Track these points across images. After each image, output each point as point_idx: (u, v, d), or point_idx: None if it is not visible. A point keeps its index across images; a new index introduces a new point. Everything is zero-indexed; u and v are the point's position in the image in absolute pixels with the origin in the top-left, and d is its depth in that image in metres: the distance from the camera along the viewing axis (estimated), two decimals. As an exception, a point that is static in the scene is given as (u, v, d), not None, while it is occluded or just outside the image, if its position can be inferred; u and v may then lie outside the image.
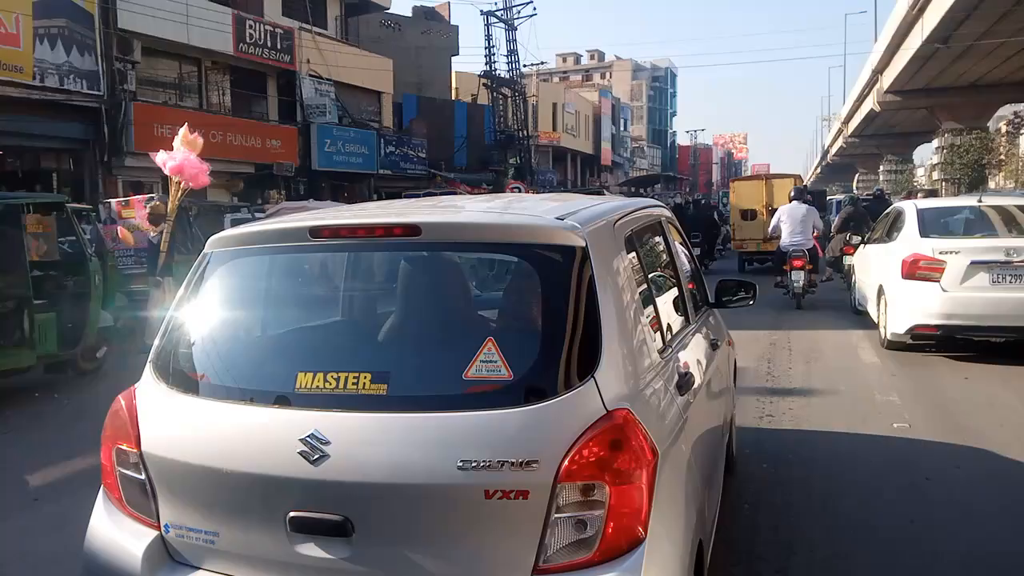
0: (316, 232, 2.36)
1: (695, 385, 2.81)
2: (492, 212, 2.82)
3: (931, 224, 8.54)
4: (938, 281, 7.74)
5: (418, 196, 21.09)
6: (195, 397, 2.35)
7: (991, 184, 41.48)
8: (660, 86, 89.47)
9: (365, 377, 2.14)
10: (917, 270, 7.91)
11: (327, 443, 2.04)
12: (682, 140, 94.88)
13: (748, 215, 18.52)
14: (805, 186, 19.05)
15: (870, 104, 46.12)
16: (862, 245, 10.81)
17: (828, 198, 30.09)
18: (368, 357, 2.43)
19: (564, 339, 2.13)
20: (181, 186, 9.00)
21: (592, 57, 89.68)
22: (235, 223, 13.45)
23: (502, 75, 33.33)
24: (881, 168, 71.41)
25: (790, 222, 12.53)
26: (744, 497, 4.41)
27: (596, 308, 2.14)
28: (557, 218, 2.33)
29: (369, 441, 2.08)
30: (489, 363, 2.07)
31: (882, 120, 53.63)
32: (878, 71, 42.31)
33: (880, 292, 8.85)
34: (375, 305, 2.88)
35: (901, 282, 8.09)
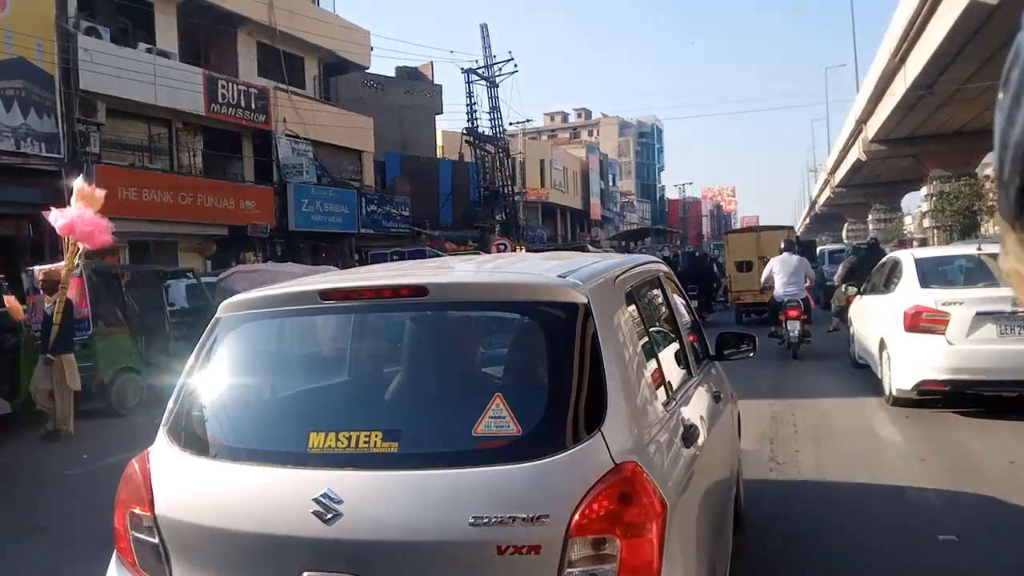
0: (326, 295, 2.40)
1: (700, 437, 2.78)
2: (497, 272, 2.94)
3: (930, 274, 8.11)
4: (943, 334, 7.27)
5: (403, 255, 20.67)
6: (208, 459, 2.36)
7: (983, 231, 40.88)
8: (647, 141, 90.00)
9: (376, 435, 2.16)
10: (920, 322, 7.43)
11: (340, 502, 2.05)
12: (671, 194, 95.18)
13: (744, 266, 18.55)
14: (797, 237, 19.19)
15: (856, 154, 45.90)
16: (858, 296, 10.49)
17: (818, 248, 29.63)
18: (378, 416, 2.44)
19: (570, 394, 2.16)
20: (76, 246, 7.97)
21: (579, 115, 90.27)
22: (180, 290, 13.06)
23: (485, 132, 32.72)
24: (870, 217, 71.14)
25: (783, 273, 12.57)
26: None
27: (600, 363, 2.16)
28: (559, 276, 2.38)
29: (381, 499, 2.09)
30: (498, 419, 2.09)
31: (868, 169, 53.37)
32: (862, 121, 42.14)
33: (882, 346, 8.32)
34: (383, 364, 2.86)
35: (904, 335, 7.61)
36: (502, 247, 26.70)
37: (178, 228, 20.55)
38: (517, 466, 2.04)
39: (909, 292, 7.91)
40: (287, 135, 24.06)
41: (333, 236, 25.30)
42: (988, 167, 47.36)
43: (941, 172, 41.97)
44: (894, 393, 7.84)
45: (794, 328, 11.98)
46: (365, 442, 2.16)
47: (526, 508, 1.96)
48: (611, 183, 70.84)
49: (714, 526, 2.78)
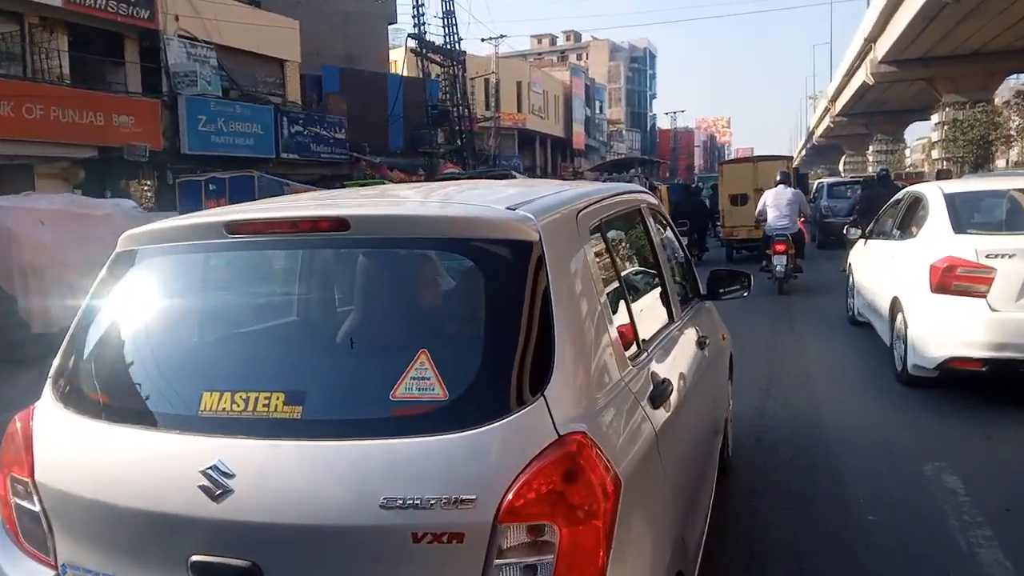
0: (232, 227, 2.02)
1: (674, 394, 2.46)
2: (433, 203, 2.51)
3: (966, 215, 6.19)
4: (984, 296, 5.53)
5: (221, 184, 15.76)
6: (93, 420, 2.04)
7: (999, 163, 36.58)
8: (639, 67, 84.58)
9: (277, 398, 1.83)
10: (954, 280, 5.67)
11: (231, 476, 1.75)
12: (663, 123, 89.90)
13: (739, 200, 17.17)
14: (795, 168, 18.33)
15: (862, 76, 41.15)
16: (862, 240, 8.59)
17: (816, 181, 26.78)
18: (282, 374, 2.01)
19: (509, 350, 1.79)
20: None
21: (568, 38, 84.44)
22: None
23: (435, 42, 27.70)
24: (870, 149, 66.67)
25: (776, 206, 12.03)
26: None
27: (550, 313, 1.82)
28: (508, 208, 2.00)
29: (279, 474, 1.76)
30: (421, 380, 1.76)
31: (873, 96, 48.85)
32: (871, 39, 37.40)
33: (895, 307, 6.52)
34: (295, 312, 2.47)
35: (930, 297, 5.84)
36: (452, 177, 22.62)
37: (32, 149, 16.32)
38: (440, 437, 1.69)
39: (938, 239, 6.03)
40: (181, 36, 19.48)
41: (243, 161, 20.85)
42: (1008, 91, 42.63)
43: (956, 98, 37.47)
44: (910, 370, 6.08)
45: (780, 263, 11.47)
46: (264, 405, 1.82)
47: (448, 488, 1.64)
48: (598, 110, 65.97)
49: (687, 496, 2.45)
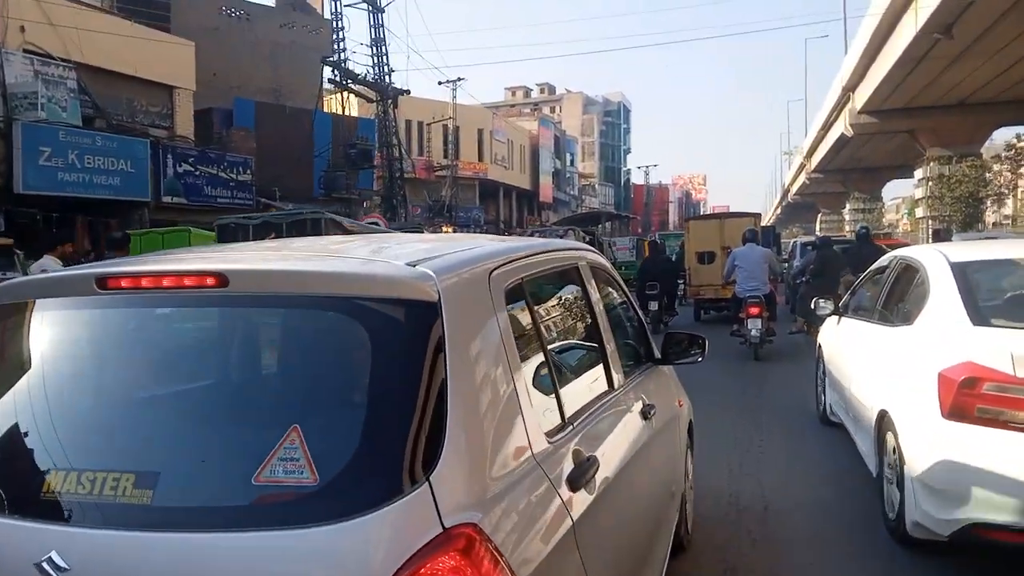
0: (102, 282, 1.81)
1: (602, 474, 2.15)
2: (324, 257, 2.22)
3: (985, 297, 4.09)
4: None
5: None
6: None
7: (989, 222, 33.45)
8: (613, 121, 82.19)
9: (127, 479, 1.59)
10: (979, 401, 3.45)
11: (65, 571, 1.51)
12: (638, 179, 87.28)
13: (705, 258, 16.20)
14: (770, 226, 17.35)
15: (840, 128, 38.21)
16: (835, 316, 6.27)
17: (792, 240, 24.86)
18: (135, 451, 1.74)
19: (391, 428, 1.56)
20: None
21: (543, 90, 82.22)
22: None
23: (364, 75, 23.96)
24: (847, 207, 64.01)
25: (746, 267, 11.18)
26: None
27: (444, 385, 1.58)
28: (408, 264, 1.78)
29: (120, 571, 1.53)
30: (290, 462, 1.51)
31: (849, 152, 46.13)
32: (850, 88, 34.54)
33: (884, 425, 4.23)
34: (161, 378, 2.04)
35: (940, 424, 3.59)
36: (373, 226, 18.88)
37: None
38: (307, 530, 1.44)
39: (948, 333, 3.86)
40: (28, 51, 15.77)
41: (104, 205, 17.01)
42: (996, 146, 39.76)
43: (940, 152, 34.52)
44: (908, 528, 3.80)
45: (755, 326, 10.74)
46: (112, 488, 1.59)
47: None
48: (568, 162, 63.07)
49: None
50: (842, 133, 38.07)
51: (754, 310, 10.71)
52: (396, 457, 1.51)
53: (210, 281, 1.72)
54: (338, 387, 1.76)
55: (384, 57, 23.78)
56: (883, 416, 4.23)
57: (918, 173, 38.73)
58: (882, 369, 4.52)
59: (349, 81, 22.62)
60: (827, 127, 43.08)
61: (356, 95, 23.69)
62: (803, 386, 7.79)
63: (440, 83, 38.38)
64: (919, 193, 38.93)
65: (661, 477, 3.14)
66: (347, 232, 11.85)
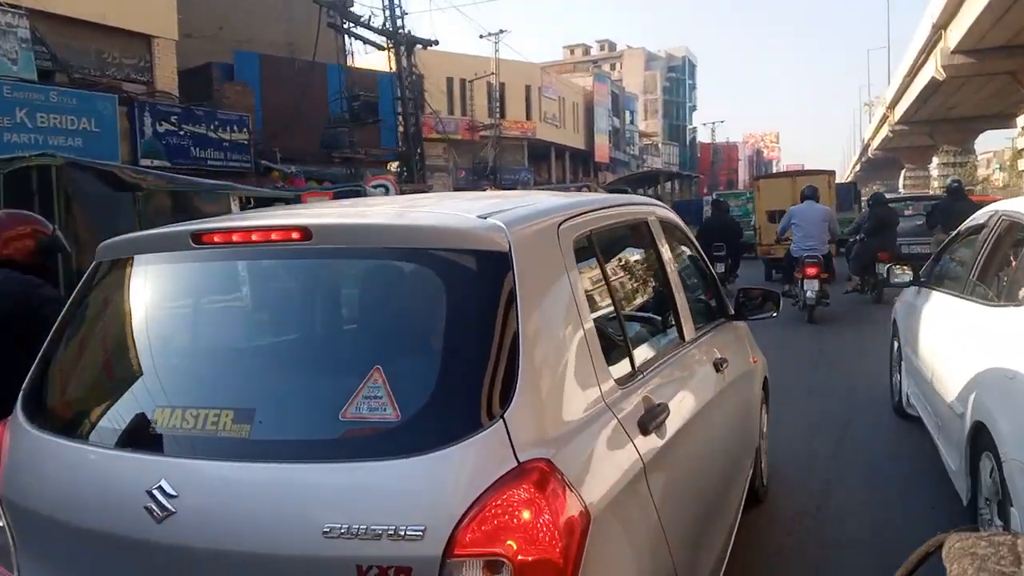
0: (197, 237, 1.92)
1: (672, 420, 2.16)
2: (399, 212, 2.28)
3: None
4: None
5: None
6: (54, 437, 1.95)
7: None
8: (677, 76, 77.57)
9: (227, 415, 1.71)
10: None
11: (174, 496, 1.63)
12: (704, 137, 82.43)
13: (776, 216, 15.38)
14: (848, 183, 18.98)
15: (930, 72, 33.56)
16: (915, 287, 5.16)
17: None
18: (233, 390, 1.88)
19: (467, 369, 1.63)
20: None
21: (603, 47, 78.03)
22: None
23: (369, 21, 21.02)
24: (934, 161, 58.50)
25: (804, 225, 10.59)
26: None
27: (516, 329, 1.62)
28: (479, 216, 1.83)
29: (223, 497, 1.65)
30: (373, 400, 1.59)
31: (938, 100, 41.14)
32: (941, 25, 29.97)
33: (981, 442, 3.09)
34: (253, 324, 2.23)
35: None
36: (380, 190, 16.41)
37: None
38: (390, 462, 1.54)
39: None
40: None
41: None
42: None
43: (1050, 94, 29.73)
44: None
45: (811, 288, 10.07)
46: (213, 423, 1.70)
47: (396, 518, 1.48)
48: (628, 121, 59.27)
49: (690, 534, 2.19)
50: (932, 77, 33.45)
51: (811, 270, 10.09)
52: (472, 396, 1.56)
53: (295, 235, 1.79)
54: (417, 333, 1.81)
55: (399, 6, 20.86)
56: (978, 430, 3.11)
57: (1021, 120, 33.88)
58: (978, 364, 3.31)
59: (352, 25, 19.87)
60: (914, 72, 38.24)
61: (364, 42, 20.96)
62: (865, 359, 6.74)
63: (481, 36, 35.08)
64: (1022, 143, 34.15)
65: (734, 429, 3.05)
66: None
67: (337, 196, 10.95)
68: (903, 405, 5.30)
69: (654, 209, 2.90)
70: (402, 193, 17.56)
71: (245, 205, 9.86)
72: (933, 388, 4.11)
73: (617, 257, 2.54)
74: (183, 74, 20.35)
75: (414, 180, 20.42)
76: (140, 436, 1.79)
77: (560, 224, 1.98)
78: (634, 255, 2.72)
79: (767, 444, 4.05)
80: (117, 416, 1.90)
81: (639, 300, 2.65)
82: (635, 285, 2.66)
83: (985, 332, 3.40)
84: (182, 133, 17.14)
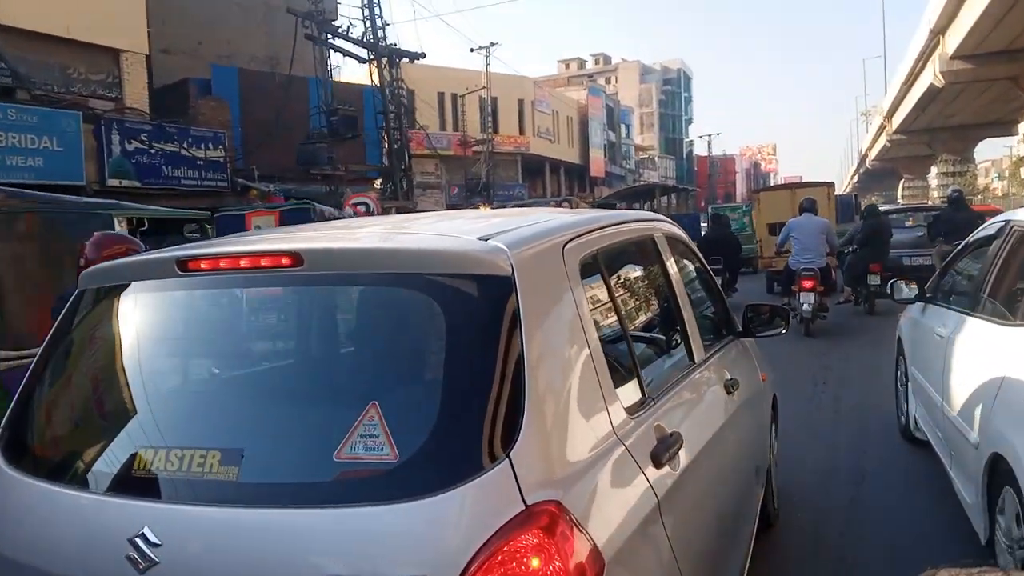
0: (184, 264, 1.83)
1: (686, 450, 2.05)
2: (395, 234, 2.21)
3: None
4: None
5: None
6: (32, 479, 1.84)
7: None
8: (673, 90, 77.10)
9: (213, 456, 1.60)
10: None
11: (157, 546, 1.53)
12: (701, 150, 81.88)
13: (776, 229, 14.88)
14: (847, 195, 19.24)
15: (928, 79, 32.90)
16: (921, 303, 4.85)
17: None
18: (221, 429, 1.77)
19: (470, 404, 1.52)
20: None
21: (597, 61, 77.68)
22: None
23: (347, 32, 20.17)
24: (933, 171, 57.75)
25: (801, 238, 10.52)
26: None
27: (521, 360, 1.52)
28: (480, 238, 1.71)
29: (208, 545, 1.55)
30: (369, 439, 1.49)
31: (937, 108, 40.51)
32: (939, 30, 29.37)
33: (996, 474, 2.87)
34: (247, 359, 2.06)
35: None
36: (361, 209, 15.64)
37: None
38: (389, 507, 1.43)
39: None
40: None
41: (28, 190, 14.12)
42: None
43: (1052, 100, 29.04)
44: None
45: (807, 301, 10.06)
46: (199, 465, 1.60)
47: (395, 567, 1.39)
48: (624, 134, 58.68)
49: (706, 567, 2.10)
50: (930, 85, 32.78)
51: (808, 283, 10.09)
52: (475, 433, 1.47)
53: (285, 261, 1.70)
54: (415, 364, 1.71)
55: (377, 9, 20.14)
56: (997, 462, 2.82)
57: (1022, 127, 33.17)
58: (994, 389, 2.95)
59: (328, 36, 19.13)
60: (911, 80, 37.62)
61: (344, 54, 20.20)
62: (866, 375, 6.66)
63: (472, 50, 34.47)
64: (1023, 150, 33.43)
65: (746, 452, 2.97)
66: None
67: (284, 217, 10.11)
68: (911, 429, 4.97)
69: (660, 224, 2.79)
70: (385, 211, 16.77)
71: (135, 228, 8.68)
72: (944, 414, 3.79)
73: (624, 277, 2.44)
74: (160, 91, 19.67)
75: (398, 197, 19.56)
76: (122, 480, 1.68)
77: (565, 244, 1.88)
78: (641, 274, 2.62)
79: (777, 467, 3.91)
80: (98, 458, 1.80)
81: (647, 321, 2.56)
82: (643, 306, 2.57)
83: (1001, 354, 3.09)
84: (153, 151, 16.36)
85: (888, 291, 5.19)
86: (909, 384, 5.00)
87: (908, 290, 4.88)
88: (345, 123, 18.11)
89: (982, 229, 4.37)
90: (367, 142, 22.13)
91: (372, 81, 20.29)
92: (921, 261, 12.70)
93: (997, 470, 2.85)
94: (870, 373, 6.64)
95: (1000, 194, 53.15)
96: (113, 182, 15.56)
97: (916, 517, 4.03)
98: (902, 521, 4.00)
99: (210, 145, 17.71)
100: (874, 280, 11.63)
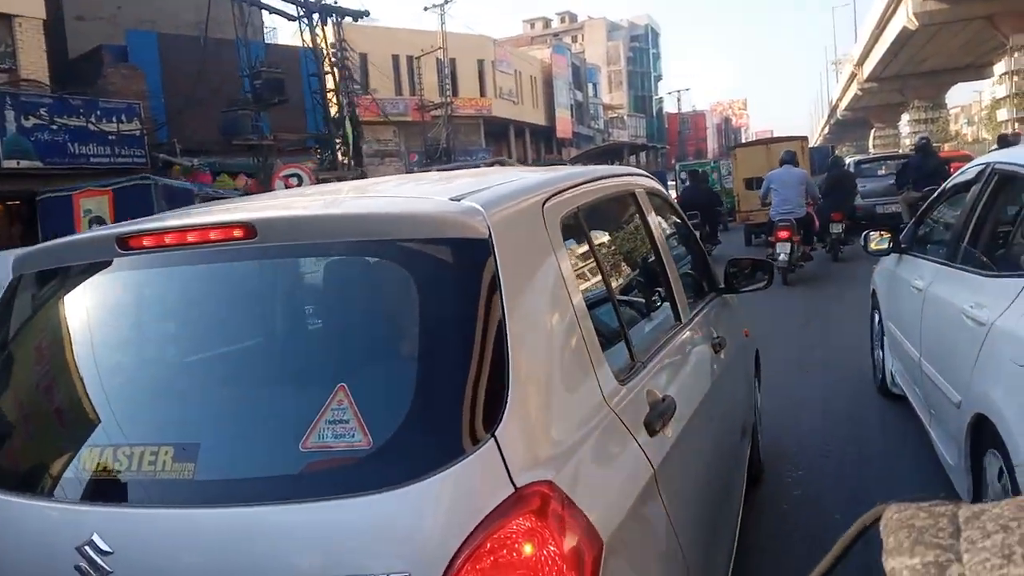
0: (124, 242, 1.63)
1: (679, 414, 1.95)
2: (358, 199, 2.05)
3: None
4: None
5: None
6: None
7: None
8: (640, 46, 75.03)
9: (165, 452, 1.45)
10: None
11: (108, 554, 1.39)
12: (671, 107, 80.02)
13: (753, 184, 15.47)
14: (822, 146, 14.22)
15: (900, 22, 31.49)
16: (895, 255, 4.53)
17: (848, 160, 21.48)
18: (174, 422, 1.60)
19: (449, 381, 1.39)
20: None
21: (563, 20, 75.38)
22: None
23: None
24: (905, 118, 56.68)
25: (781, 189, 10.58)
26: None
27: (502, 329, 1.38)
28: (452, 199, 1.56)
29: (166, 552, 1.40)
30: (339, 424, 1.34)
31: (909, 53, 39.19)
32: (911, -30, 27.88)
33: (980, 436, 2.71)
34: (199, 344, 1.83)
35: None
36: (293, 180, 14.00)
37: None
38: (363, 498, 1.28)
39: None
40: None
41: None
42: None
43: (1028, 38, 27.74)
44: None
45: (783, 250, 10.18)
46: (151, 463, 1.44)
47: (373, 565, 1.25)
48: (592, 93, 56.91)
49: (703, 534, 2.00)
50: (903, 28, 31.38)
51: (783, 234, 10.25)
52: (457, 412, 1.34)
53: (237, 233, 1.53)
54: (386, 341, 1.57)
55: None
56: (980, 423, 2.68)
57: (999, 68, 31.80)
58: (976, 345, 2.78)
59: (251, -9, 17.24)
60: (883, 24, 36.18)
61: (270, 11, 18.28)
62: (840, 324, 6.63)
63: (426, 8, 32.50)
64: (1000, 92, 32.05)
65: (735, 411, 2.96)
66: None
67: (117, 196, 8.52)
68: (888, 384, 4.82)
69: (640, 180, 2.66)
70: (320, 182, 15.13)
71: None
72: (923, 371, 3.67)
73: (607, 236, 2.33)
74: (72, 62, 17.79)
75: (337, 167, 17.86)
76: (68, 483, 1.53)
77: (544, 203, 1.72)
78: (624, 232, 2.53)
79: (761, 423, 3.94)
80: (40, 461, 1.64)
81: (632, 281, 2.46)
82: (627, 266, 2.46)
83: (983, 307, 2.87)
84: (55, 127, 14.57)
85: (862, 242, 4.88)
86: (885, 339, 4.80)
87: (882, 240, 4.57)
88: (270, 86, 16.31)
89: (960, 174, 4.08)
90: (308, 109, 20.36)
91: (303, 42, 18.40)
92: (894, 209, 12.69)
93: (981, 433, 2.71)
94: (843, 321, 6.63)
95: (970, 139, 52.24)
96: (10, 163, 13.82)
97: (895, 473, 3.95)
98: (881, 476, 3.94)
99: (123, 118, 15.93)
100: (835, 228, 11.85)
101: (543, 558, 1.24)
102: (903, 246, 4.45)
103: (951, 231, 3.84)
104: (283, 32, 19.82)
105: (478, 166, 15.03)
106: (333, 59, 20.63)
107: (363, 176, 19.21)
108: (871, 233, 4.65)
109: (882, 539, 0.45)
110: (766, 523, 3.45)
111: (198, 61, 17.52)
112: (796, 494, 3.75)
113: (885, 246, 4.56)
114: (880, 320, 4.93)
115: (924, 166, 10.88)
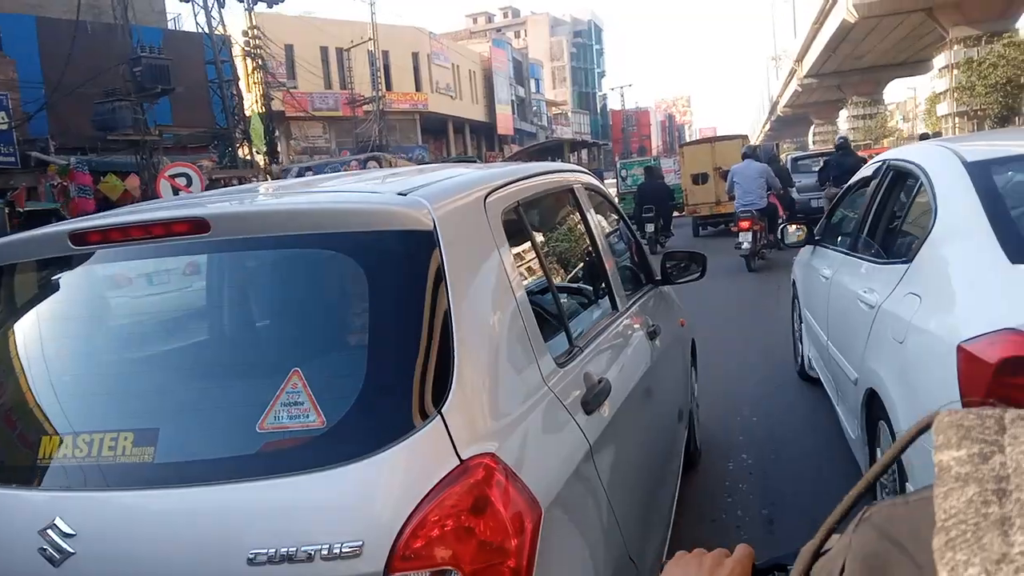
0: (77, 237, 1.66)
1: (614, 396, 2.07)
2: (308, 194, 2.13)
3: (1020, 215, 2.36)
4: None
5: None
6: None
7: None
8: (584, 42, 74.06)
9: (125, 438, 1.50)
10: None
11: (72, 536, 1.42)
12: (615, 104, 79.21)
13: (700, 179, 17.37)
14: (765, 144, 11.52)
15: (840, 15, 30.78)
16: (809, 246, 4.80)
17: (785, 155, 23.10)
18: (131, 409, 1.64)
19: (397, 363, 1.47)
20: None
21: (506, 15, 73.88)
22: None
23: None
24: (843, 115, 56.76)
25: (742, 182, 11.12)
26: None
27: (447, 314, 1.48)
28: (399, 193, 1.66)
29: (127, 533, 1.44)
30: (294, 406, 1.42)
31: (848, 49, 38.77)
32: (851, -38, 27.08)
33: (872, 409, 2.93)
34: (154, 334, 1.98)
35: None
36: (181, 181, 12.13)
37: None
38: (318, 474, 1.35)
39: (967, 275, 2.42)
40: None
41: None
42: None
43: (967, 31, 27.22)
44: None
45: (745, 240, 10.71)
46: (111, 448, 1.49)
47: (329, 535, 1.31)
48: (534, 89, 55.54)
49: (638, 509, 2.15)
50: (843, 21, 30.68)
51: (744, 224, 10.68)
52: (405, 392, 1.42)
53: (191, 228, 1.57)
54: (338, 327, 1.67)
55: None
56: (872, 397, 2.94)
57: (939, 61, 31.31)
58: (867, 326, 3.08)
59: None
60: (822, 18, 35.55)
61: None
62: (788, 309, 6.29)
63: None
64: (940, 86, 31.63)
65: (670, 396, 3.09)
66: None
67: None
68: (806, 369, 5.06)
69: (579, 176, 2.79)
70: (214, 184, 13.31)
71: None
72: (829, 354, 3.92)
73: (546, 228, 2.48)
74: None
75: (238, 166, 16.01)
76: (27, 470, 1.57)
77: (486, 197, 1.82)
78: (563, 225, 2.66)
79: (698, 410, 4.06)
80: (5, 449, 1.67)
81: (571, 272, 2.59)
82: (566, 257, 2.59)
83: (873, 292, 3.09)
84: None
85: (779, 235, 5.18)
86: (803, 325, 5.09)
87: (796, 232, 4.91)
88: (152, 74, 14.37)
89: (864, 169, 4.45)
90: (214, 102, 18.42)
91: (197, 26, 16.47)
92: (821, 203, 13.39)
93: (873, 406, 2.93)
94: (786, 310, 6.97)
95: (905, 135, 52.43)
96: None
97: (809, 451, 4.16)
98: (798, 454, 4.13)
99: (-13, 110, 13.84)
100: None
101: (488, 526, 1.32)
102: (816, 238, 4.68)
103: (853, 223, 4.09)
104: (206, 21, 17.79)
105: (350, 165, 13.25)
106: (245, 48, 18.75)
107: (271, 177, 17.40)
108: (788, 227, 4.95)
109: (934, 438, 0.48)
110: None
111: (82, 48, 15.49)
112: (724, 479, 3.89)
113: (798, 237, 4.83)
114: (799, 308, 5.21)
115: (843, 163, 11.36)
